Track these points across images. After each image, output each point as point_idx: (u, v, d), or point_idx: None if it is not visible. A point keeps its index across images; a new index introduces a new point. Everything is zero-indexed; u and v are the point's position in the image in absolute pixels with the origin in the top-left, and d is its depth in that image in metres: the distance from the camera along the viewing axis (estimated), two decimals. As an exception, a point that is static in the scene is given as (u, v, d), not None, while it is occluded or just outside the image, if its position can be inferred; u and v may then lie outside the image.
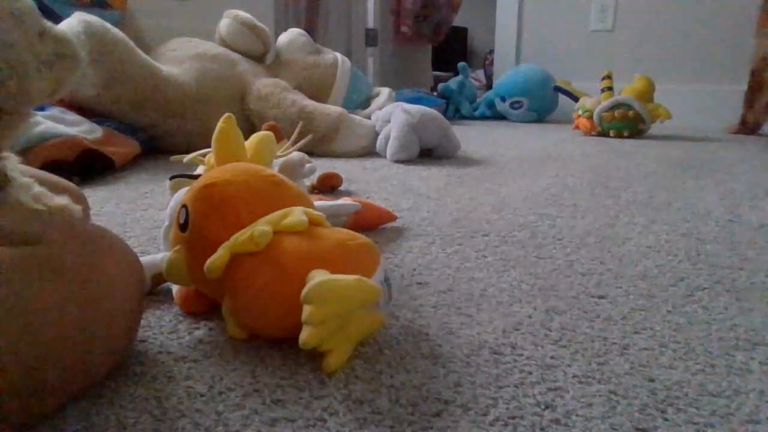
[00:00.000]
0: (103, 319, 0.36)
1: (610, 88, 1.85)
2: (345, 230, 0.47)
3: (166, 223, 0.56)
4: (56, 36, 0.40)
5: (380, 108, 1.57)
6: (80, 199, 0.58)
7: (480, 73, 3.94)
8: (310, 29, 2.51)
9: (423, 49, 3.49)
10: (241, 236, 0.43)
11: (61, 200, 0.44)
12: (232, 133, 0.52)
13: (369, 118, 1.50)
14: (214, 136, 0.52)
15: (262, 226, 0.43)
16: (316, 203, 0.66)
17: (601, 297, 0.55)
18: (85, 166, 1.04)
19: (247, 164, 0.50)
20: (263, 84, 1.44)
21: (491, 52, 3.02)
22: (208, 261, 0.43)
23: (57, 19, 1.21)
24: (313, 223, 0.46)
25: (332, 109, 1.41)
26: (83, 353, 0.35)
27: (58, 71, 0.40)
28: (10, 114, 0.38)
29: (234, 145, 0.52)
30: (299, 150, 0.84)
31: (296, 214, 0.45)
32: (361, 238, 0.46)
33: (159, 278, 0.54)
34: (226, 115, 0.52)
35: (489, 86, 3.14)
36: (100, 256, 0.38)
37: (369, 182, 1.08)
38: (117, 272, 0.39)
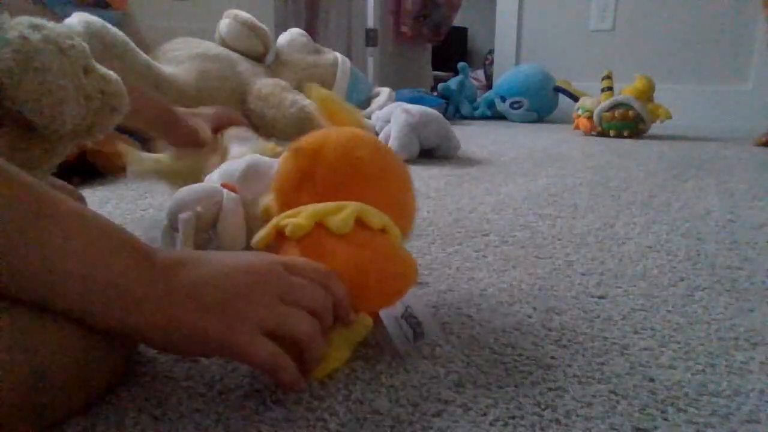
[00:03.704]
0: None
1: (610, 88, 1.84)
2: (393, 251, 0.44)
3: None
4: (103, 76, 0.44)
5: (380, 108, 1.56)
6: (74, 197, 0.58)
7: (480, 73, 3.92)
8: (310, 29, 2.51)
9: (423, 49, 3.49)
10: (283, 218, 0.43)
11: None
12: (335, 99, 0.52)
13: (369, 118, 1.49)
14: (319, 104, 0.51)
15: (302, 220, 0.42)
16: None
17: (601, 297, 0.55)
18: (85, 166, 1.04)
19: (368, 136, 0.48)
20: (263, 84, 1.44)
21: (491, 52, 3.01)
22: (257, 235, 0.44)
23: (57, 19, 1.21)
24: (367, 226, 0.43)
25: (332, 109, 1.41)
26: (83, 367, 0.33)
27: (98, 107, 0.43)
28: (46, 138, 0.39)
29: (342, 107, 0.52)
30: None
31: (344, 215, 0.42)
32: (404, 262, 0.44)
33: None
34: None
35: (489, 86, 3.14)
36: None
37: (369, 182, 1.08)
38: None
